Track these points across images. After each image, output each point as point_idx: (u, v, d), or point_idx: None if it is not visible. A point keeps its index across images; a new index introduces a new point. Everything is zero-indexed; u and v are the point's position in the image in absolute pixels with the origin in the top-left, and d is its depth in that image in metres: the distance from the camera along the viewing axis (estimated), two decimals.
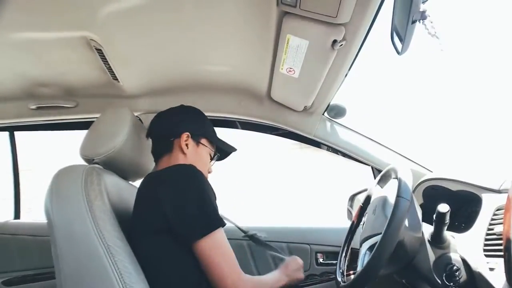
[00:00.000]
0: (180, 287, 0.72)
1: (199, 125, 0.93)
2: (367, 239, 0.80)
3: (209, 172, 0.92)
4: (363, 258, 0.78)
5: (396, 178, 0.78)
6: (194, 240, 0.69)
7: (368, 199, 1.00)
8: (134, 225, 0.77)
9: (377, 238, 0.69)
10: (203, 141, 0.90)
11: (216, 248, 0.69)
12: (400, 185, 0.70)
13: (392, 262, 0.72)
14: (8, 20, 0.81)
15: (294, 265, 0.88)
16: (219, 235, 0.70)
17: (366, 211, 0.96)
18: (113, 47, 0.96)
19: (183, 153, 0.86)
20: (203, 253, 0.68)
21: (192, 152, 0.87)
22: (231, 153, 1.00)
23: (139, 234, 0.75)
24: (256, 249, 1.27)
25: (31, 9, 0.80)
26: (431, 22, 0.64)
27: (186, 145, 0.86)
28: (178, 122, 0.90)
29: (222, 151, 0.97)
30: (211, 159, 0.94)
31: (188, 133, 0.87)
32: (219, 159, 0.99)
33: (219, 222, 0.72)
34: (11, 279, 1.34)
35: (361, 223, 0.94)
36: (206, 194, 0.73)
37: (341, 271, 0.88)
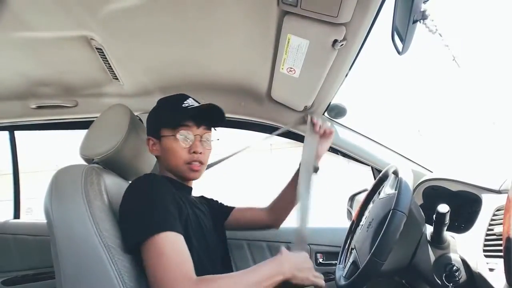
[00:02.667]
0: None
1: (155, 120, 0.84)
2: (366, 239, 0.80)
3: (194, 153, 0.78)
4: (364, 257, 0.77)
5: (397, 177, 0.78)
6: (133, 247, 0.64)
7: (368, 200, 1.00)
8: None
9: (377, 239, 0.69)
10: (163, 132, 0.80)
11: (153, 254, 0.61)
12: (399, 195, 0.69)
13: (392, 263, 0.72)
14: (8, 20, 0.81)
15: (300, 259, 0.70)
16: (157, 241, 0.61)
17: (367, 211, 0.96)
18: (114, 46, 0.96)
19: (159, 156, 0.83)
20: (143, 259, 0.63)
21: (161, 152, 0.81)
22: (208, 112, 0.80)
23: None
24: (256, 249, 1.27)
25: (31, 8, 0.80)
26: (432, 20, 0.63)
27: (154, 148, 0.83)
28: (147, 126, 0.87)
29: (188, 118, 0.79)
30: (181, 136, 0.78)
31: (149, 136, 0.83)
32: (208, 125, 0.83)
33: (152, 229, 0.62)
34: (11, 279, 1.34)
35: (361, 223, 0.94)
36: (142, 203, 0.67)
37: (340, 271, 0.88)
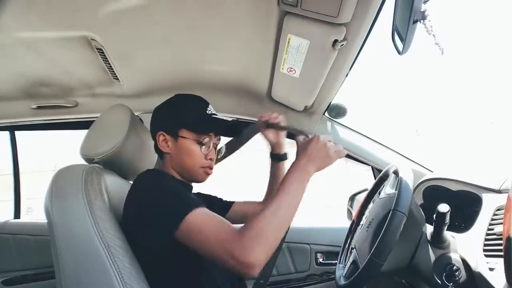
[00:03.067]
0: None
1: (174, 117, 0.82)
2: (366, 239, 0.80)
3: (210, 159, 0.81)
4: (364, 257, 0.77)
5: (397, 176, 0.78)
6: (169, 239, 0.64)
7: (368, 199, 1.00)
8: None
9: (377, 239, 0.69)
10: (183, 132, 0.80)
11: (193, 234, 0.62)
12: (399, 196, 0.69)
13: (392, 262, 0.72)
14: (9, 20, 0.81)
15: (314, 151, 0.69)
16: (190, 221, 0.62)
17: (367, 211, 0.96)
18: (114, 46, 0.96)
19: (168, 153, 0.82)
20: (186, 244, 0.63)
21: (173, 150, 0.81)
22: (231, 128, 0.85)
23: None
24: None
25: (31, 9, 0.80)
26: (431, 26, 0.64)
27: (165, 144, 0.81)
28: (153, 123, 0.85)
29: (217, 130, 0.83)
30: (204, 144, 0.80)
31: (162, 132, 0.81)
32: (227, 135, 0.87)
33: (180, 213, 0.63)
34: (11, 279, 1.34)
35: (361, 222, 0.94)
36: (159, 195, 0.67)
37: (341, 270, 0.88)
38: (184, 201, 0.66)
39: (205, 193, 1.01)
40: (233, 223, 0.98)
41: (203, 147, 0.80)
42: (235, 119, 0.86)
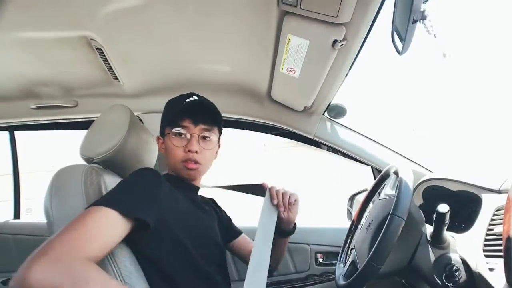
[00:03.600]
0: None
1: (162, 118, 0.85)
2: (366, 239, 0.80)
3: (189, 151, 0.77)
4: (364, 257, 0.78)
5: (397, 177, 0.78)
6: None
7: (368, 200, 1.00)
8: None
9: (377, 239, 0.69)
10: (166, 130, 0.81)
11: (77, 218, 0.55)
12: (398, 199, 0.68)
13: (392, 263, 0.72)
14: (8, 20, 0.81)
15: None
16: (87, 212, 0.56)
17: (367, 211, 0.96)
18: (114, 46, 0.96)
19: (166, 155, 0.83)
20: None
21: (164, 150, 0.83)
22: (200, 110, 0.79)
23: None
24: None
25: (31, 9, 0.80)
26: (431, 26, 0.63)
27: (161, 147, 0.84)
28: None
29: (186, 113, 0.78)
30: (180, 135, 0.78)
31: (158, 136, 0.85)
32: (206, 123, 0.80)
33: (104, 202, 0.58)
34: (11, 279, 1.34)
35: (360, 223, 0.94)
36: (124, 184, 0.65)
37: (340, 270, 0.88)
38: (119, 199, 0.60)
39: (219, 204, 0.99)
40: (232, 252, 0.98)
41: (177, 138, 0.78)
42: (195, 99, 0.79)
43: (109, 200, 0.60)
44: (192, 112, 0.79)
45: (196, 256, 0.72)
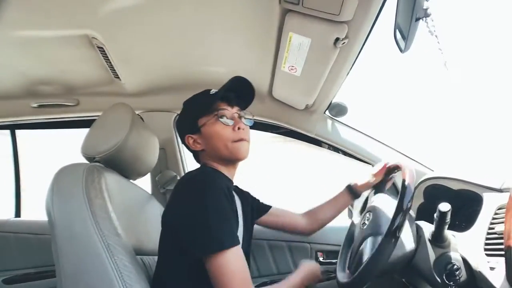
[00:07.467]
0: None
1: (188, 116, 0.85)
2: (367, 238, 0.80)
3: (239, 129, 0.80)
4: (364, 256, 0.78)
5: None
6: (203, 257, 0.67)
7: (368, 199, 1.00)
8: None
9: (378, 238, 0.69)
10: (201, 121, 0.81)
11: (220, 268, 0.65)
12: (404, 188, 0.69)
13: (393, 261, 0.72)
14: (10, 19, 0.81)
15: (311, 273, 0.86)
16: (225, 255, 0.65)
17: (367, 209, 0.96)
18: (115, 45, 0.96)
19: (201, 150, 0.83)
20: (210, 271, 0.66)
21: (204, 143, 0.81)
22: (237, 88, 0.83)
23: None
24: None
25: (32, 7, 0.80)
26: (434, 25, 0.63)
27: (196, 144, 0.83)
28: (180, 135, 0.87)
29: (224, 97, 0.82)
30: (223, 117, 0.80)
31: (187, 135, 0.83)
32: (238, 101, 0.84)
33: (226, 242, 0.66)
34: (12, 277, 1.34)
35: (362, 221, 0.94)
36: (210, 210, 0.68)
37: (341, 269, 0.88)
38: (228, 232, 0.67)
39: (243, 189, 0.96)
40: (267, 226, 1.01)
41: (224, 119, 0.80)
42: (234, 77, 0.83)
43: (222, 239, 0.66)
44: (227, 96, 0.82)
45: None
